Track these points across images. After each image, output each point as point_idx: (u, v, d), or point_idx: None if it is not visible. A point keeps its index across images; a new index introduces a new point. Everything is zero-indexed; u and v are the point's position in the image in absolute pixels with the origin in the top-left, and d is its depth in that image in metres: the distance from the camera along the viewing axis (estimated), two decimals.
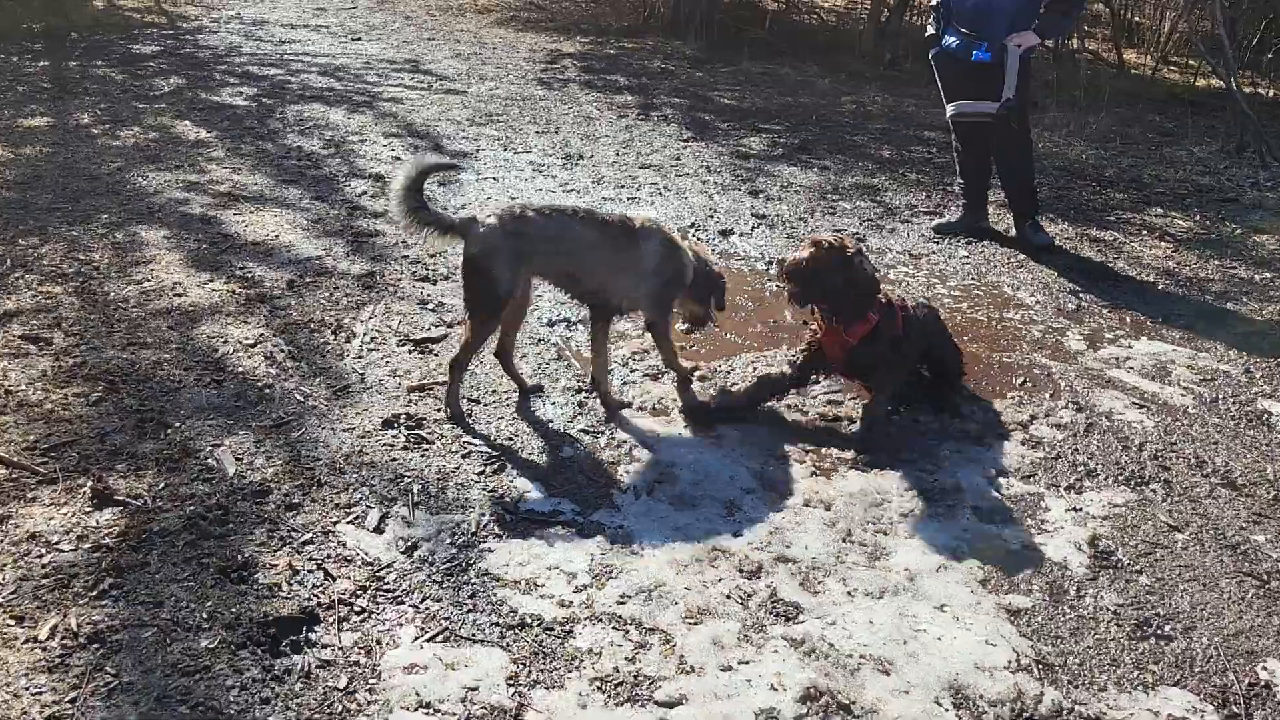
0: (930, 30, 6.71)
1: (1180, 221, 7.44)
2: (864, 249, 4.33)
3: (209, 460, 3.76)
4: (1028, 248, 6.65)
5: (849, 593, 3.25)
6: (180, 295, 5.16)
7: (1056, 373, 4.87)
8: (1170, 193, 8.26)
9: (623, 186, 7.69)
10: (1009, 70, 6.22)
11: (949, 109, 6.55)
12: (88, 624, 2.89)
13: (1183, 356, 5.10)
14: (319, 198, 6.93)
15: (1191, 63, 14.72)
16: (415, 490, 3.68)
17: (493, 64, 12.48)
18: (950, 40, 6.46)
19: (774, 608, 3.18)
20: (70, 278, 5.26)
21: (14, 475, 3.55)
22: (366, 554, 3.32)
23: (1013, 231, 6.95)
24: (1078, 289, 5.98)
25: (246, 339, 4.74)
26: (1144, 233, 7.14)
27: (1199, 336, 5.35)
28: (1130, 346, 5.20)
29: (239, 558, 3.23)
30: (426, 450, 3.96)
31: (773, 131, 9.86)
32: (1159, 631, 3.17)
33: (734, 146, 9.18)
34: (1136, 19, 16.52)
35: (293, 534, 3.38)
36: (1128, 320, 5.55)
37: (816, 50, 14.15)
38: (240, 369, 4.47)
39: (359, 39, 13.59)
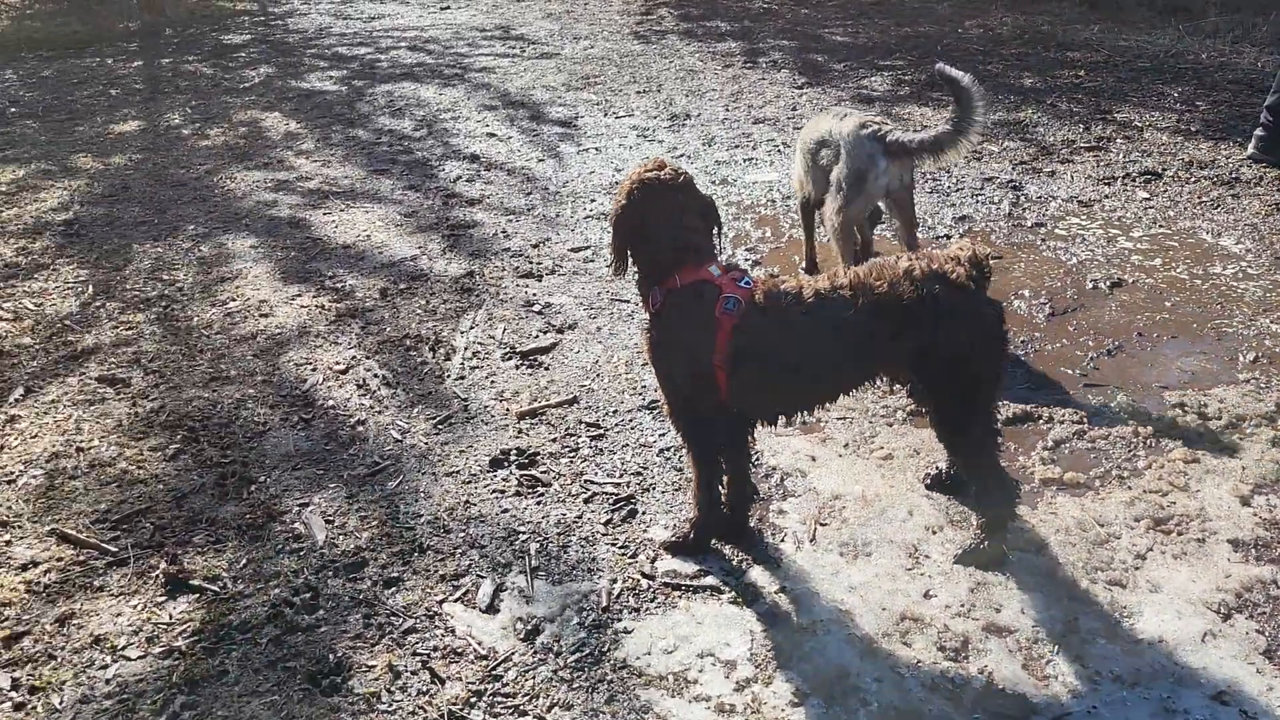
0: None
1: None
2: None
3: (296, 525, 3.25)
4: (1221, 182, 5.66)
5: (1091, 678, 2.53)
6: (266, 315, 4.68)
7: None
8: None
9: (737, 146, 6.94)
10: None
11: None
12: None
13: None
14: (412, 187, 6.39)
15: None
16: (532, 551, 3.09)
17: (585, 21, 11.77)
18: None
19: (994, 707, 2.49)
20: (153, 303, 4.83)
21: (82, 556, 3.11)
22: (479, 644, 2.75)
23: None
24: None
25: (337, 364, 4.23)
26: None
27: None
28: None
29: (330, 658, 2.71)
30: (542, 495, 3.37)
31: (895, 68, 8.90)
32: None
33: (855, 89, 8.28)
34: None
35: (393, 620, 2.84)
36: None
37: None
38: (330, 402, 3.95)
39: (447, 7, 13.04)
